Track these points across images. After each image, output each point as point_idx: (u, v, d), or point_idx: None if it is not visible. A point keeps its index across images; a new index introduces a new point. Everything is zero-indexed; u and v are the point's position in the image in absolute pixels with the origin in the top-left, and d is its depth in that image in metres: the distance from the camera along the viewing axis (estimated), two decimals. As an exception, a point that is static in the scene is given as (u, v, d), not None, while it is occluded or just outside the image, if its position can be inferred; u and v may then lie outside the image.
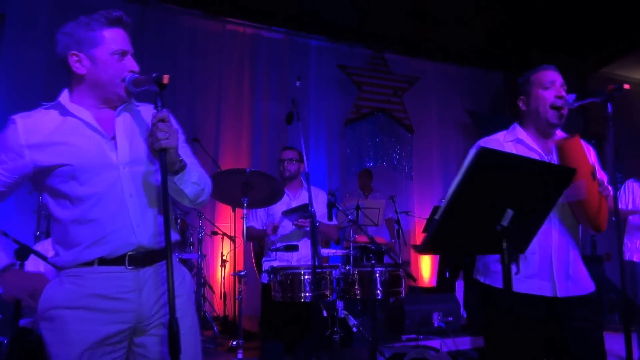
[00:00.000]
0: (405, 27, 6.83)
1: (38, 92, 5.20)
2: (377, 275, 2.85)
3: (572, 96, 1.94)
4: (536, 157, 1.97)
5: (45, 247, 2.70)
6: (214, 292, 4.82)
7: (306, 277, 2.73)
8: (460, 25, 6.80)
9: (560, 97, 1.95)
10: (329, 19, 6.73)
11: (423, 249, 1.20)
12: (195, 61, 6.18)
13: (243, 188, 2.59)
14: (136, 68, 1.56)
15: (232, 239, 4.37)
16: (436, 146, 7.37)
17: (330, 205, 2.77)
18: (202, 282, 4.48)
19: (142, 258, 1.55)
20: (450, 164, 7.38)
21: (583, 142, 2.16)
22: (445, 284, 5.15)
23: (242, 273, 2.61)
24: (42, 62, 5.33)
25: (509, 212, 1.29)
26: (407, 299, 4.18)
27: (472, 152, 1.15)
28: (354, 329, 2.82)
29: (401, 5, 6.39)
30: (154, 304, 1.55)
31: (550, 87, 1.98)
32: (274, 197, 2.82)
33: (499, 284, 1.94)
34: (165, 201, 1.47)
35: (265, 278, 2.88)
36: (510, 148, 2.03)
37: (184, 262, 4.28)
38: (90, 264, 1.51)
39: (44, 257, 2.38)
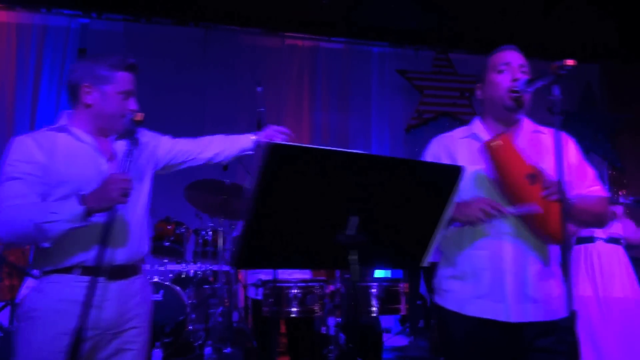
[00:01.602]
0: (476, 24, 6.39)
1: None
2: (373, 291, 2.64)
3: (523, 80, 1.62)
4: (489, 154, 1.66)
5: None
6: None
7: (294, 291, 2.61)
8: (545, 15, 6.19)
9: (517, 80, 1.64)
10: (391, 24, 6.54)
11: (237, 264, 1.05)
12: (255, 77, 6.35)
13: (221, 199, 2.56)
14: (136, 107, 1.76)
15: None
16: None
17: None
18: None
19: (116, 271, 1.68)
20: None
21: (562, 135, 1.80)
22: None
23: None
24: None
25: (354, 220, 1.09)
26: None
27: (263, 150, 0.99)
28: (345, 348, 2.62)
29: (471, 2, 6.00)
30: (121, 316, 1.67)
31: (505, 69, 1.69)
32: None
33: (450, 305, 1.67)
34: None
35: (252, 292, 2.81)
36: (463, 145, 1.75)
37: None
38: (69, 270, 1.63)
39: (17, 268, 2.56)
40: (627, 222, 3.72)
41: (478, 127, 1.78)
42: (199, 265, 3.97)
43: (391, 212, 1.14)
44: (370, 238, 1.11)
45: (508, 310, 1.55)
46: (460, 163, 1.70)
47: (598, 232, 3.60)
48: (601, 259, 3.54)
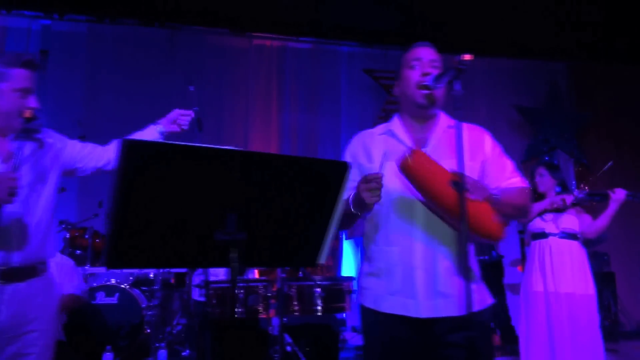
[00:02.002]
0: (444, 24, 6.42)
1: (78, 118, 5.68)
2: (316, 290, 2.63)
3: (432, 75, 1.63)
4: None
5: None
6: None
7: (237, 292, 2.60)
8: (510, 13, 6.24)
9: (427, 74, 1.65)
10: (359, 24, 6.55)
11: (107, 264, 1.04)
12: (222, 78, 6.33)
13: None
14: (35, 105, 1.71)
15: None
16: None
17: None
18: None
19: (11, 273, 1.63)
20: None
21: (478, 129, 1.81)
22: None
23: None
24: (82, 93, 5.85)
25: (232, 217, 1.08)
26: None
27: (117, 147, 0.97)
28: (288, 348, 2.61)
29: (439, 2, 6.03)
30: (17, 319, 1.63)
31: (416, 65, 1.70)
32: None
33: (367, 302, 1.67)
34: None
35: (196, 293, 2.78)
36: (380, 142, 1.75)
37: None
38: None
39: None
40: (584, 217, 3.75)
41: (395, 123, 1.78)
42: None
43: (275, 209, 1.13)
44: (252, 236, 1.10)
45: (418, 306, 1.55)
46: (375, 159, 1.71)
47: (551, 228, 3.62)
48: (553, 254, 3.56)
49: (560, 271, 3.48)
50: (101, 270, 3.89)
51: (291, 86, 6.51)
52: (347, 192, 1.72)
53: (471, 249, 1.67)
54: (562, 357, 3.37)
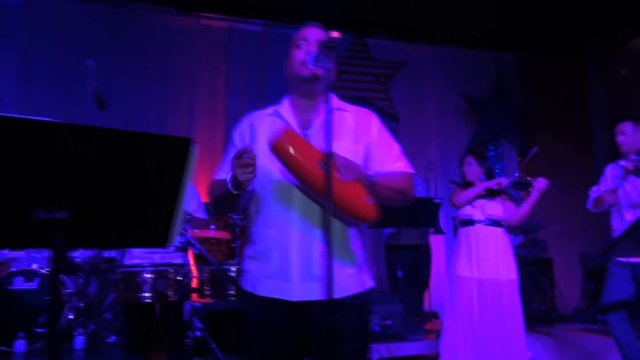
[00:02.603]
0: (395, 10, 6.41)
1: (11, 97, 5.42)
2: (229, 274, 2.59)
3: (312, 55, 1.59)
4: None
5: None
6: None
7: (145, 275, 2.53)
8: (464, 3, 6.27)
9: (309, 53, 1.62)
10: (311, 8, 6.46)
11: None
12: (167, 59, 6.15)
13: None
14: None
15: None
16: (434, 134, 6.81)
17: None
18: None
19: None
20: (450, 152, 6.79)
21: (365, 112, 1.79)
22: (397, 284, 4.69)
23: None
24: (15, 70, 5.57)
25: (54, 194, 1.02)
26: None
27: None
28: (198, 333, 2.56)
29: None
30: None
31: (302, 44, 1.67)
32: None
33: (246, 285, 1.64)
34: None
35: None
36: (266, 122, 1.72)
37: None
38: None
39: None
40: (508, 204, 3.82)
41: (284, 105, 1.75)
42: (88, 252, 3.81)
43: (106, 187, 1.07)
44: (79, 215, 1.04)
45: (292, 289, 1.53)
46: (259, 139, 1.67)
47: (477, 215, 3.68)
48: (479, 241, 3.63)
49: (485, 258, 3.56)
50: (21, 254, 3.75)
51: (239, 69, 6.39)
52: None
53: (353, 233, 1.65)
54: (485, 340, 3.46)
